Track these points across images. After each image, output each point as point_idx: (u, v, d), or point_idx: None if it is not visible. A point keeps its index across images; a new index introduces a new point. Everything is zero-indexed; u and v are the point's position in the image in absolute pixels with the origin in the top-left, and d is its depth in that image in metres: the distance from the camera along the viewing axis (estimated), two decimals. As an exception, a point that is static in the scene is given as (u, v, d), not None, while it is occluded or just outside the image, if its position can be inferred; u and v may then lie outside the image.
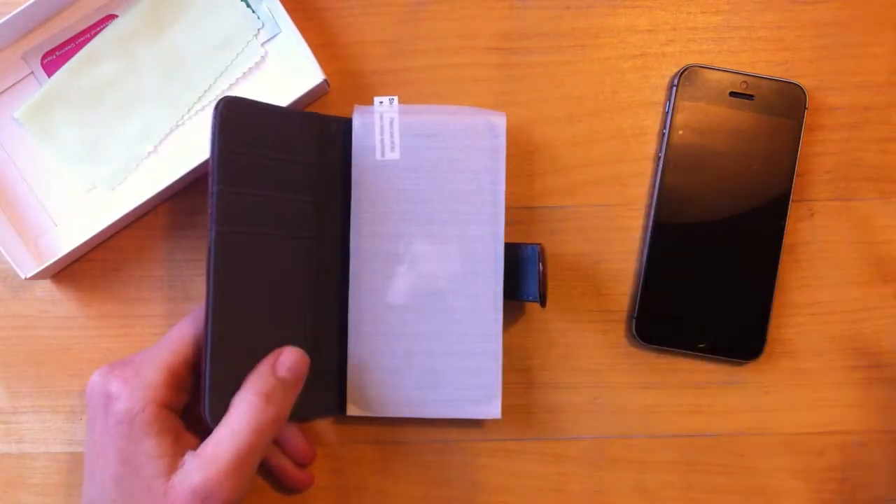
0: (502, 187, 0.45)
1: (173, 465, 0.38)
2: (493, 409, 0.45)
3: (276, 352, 0.41)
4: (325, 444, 0.48)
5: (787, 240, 0.48)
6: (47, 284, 0.48)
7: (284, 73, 0.48)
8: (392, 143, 0.45)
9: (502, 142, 0.45)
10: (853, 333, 0.48)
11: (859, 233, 0.49)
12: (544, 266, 0.45)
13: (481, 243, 0.45)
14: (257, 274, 0.42)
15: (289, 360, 0.41)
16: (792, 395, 0.48)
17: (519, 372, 0.48)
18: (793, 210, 0.48)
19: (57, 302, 0.48)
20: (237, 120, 0.41)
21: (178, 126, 0.48)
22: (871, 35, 0.49)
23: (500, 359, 0.45)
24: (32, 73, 0.48)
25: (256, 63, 0.48)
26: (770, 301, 0.47)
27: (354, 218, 0.45)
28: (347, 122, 0.46)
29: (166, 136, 0.48)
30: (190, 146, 0.48)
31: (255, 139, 0.42)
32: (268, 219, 0.43)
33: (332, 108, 0.49)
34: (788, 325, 0.48)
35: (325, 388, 0.46)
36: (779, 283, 0.48)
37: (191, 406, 0.41)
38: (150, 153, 0.48)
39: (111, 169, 0.47)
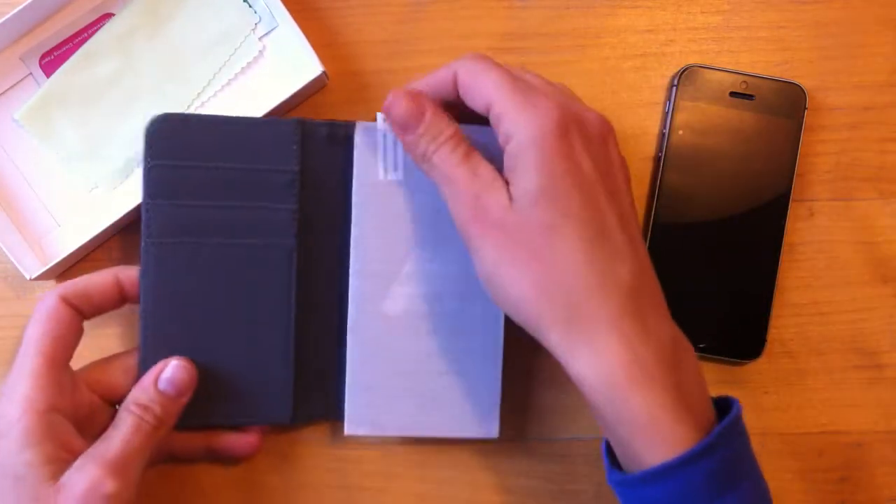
0: None
1: (60, 470, 0.37)
2: (491, 430, 0.45)
3: (163, 363, 0.42)
4: (325, 444, 0.48)
5: (787, 240, 0.48)
6: (51, 285, 0.48)
7: (283, 67, 0.48)
8: (395, 162, 0.44)
9: None
10: (853, 333, 0.48)
11: (859, 233, 0.49)
12: None
13: None
14: (197, 282, 0.44)
15: (171, 374, 0.41)
16: (792, 395, 0.48)
17: (519, 371, 0.48)
18: (793, 210, 0.48)
19: (57, 302, 0.48)
20: (168, 135, 0.43)
21: None
22: (871, 35, 0.49)
23: (499, 380, 0.45)
24: (31, 74, 0.48)
25: (255, 57, 0.48)
26: (770, 301, 0.47)
27: (355, 238, 0.44)
28: (336, 126, 0.45)
29: None
30: None
31: (195, 152, 0.44)
32: (215, 228, 0.44)
33: (332, 109, 0.49)
34: (788, 325, 0.48)
35: (316, 390, 0.46)
36: (779, 283, 0.48)
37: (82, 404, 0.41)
38: None
39: (112, 168, 0.47)
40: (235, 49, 0.48)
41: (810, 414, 0.48)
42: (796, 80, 0.48)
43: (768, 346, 0.48)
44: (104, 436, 0.39)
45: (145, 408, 0.40)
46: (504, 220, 0.37)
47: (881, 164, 0.49)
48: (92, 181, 0.47)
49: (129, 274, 0.43)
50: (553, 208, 0.36)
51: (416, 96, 0.40)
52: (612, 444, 0.38)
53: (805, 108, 0.48)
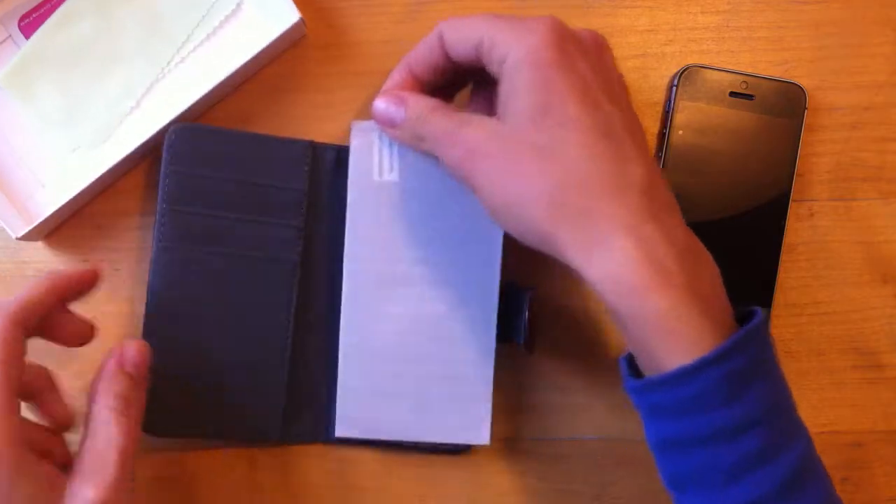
0: None
1: (58, 498, 0.35)
2: (482, 436, 0.45)
3: (117, 349, 0.39)
4: (325, 444, 0.48)
5: (787, 240, 0.48)
6: (38, 245, 0.48)
7: (261, 18, 0.48)
8: (391, 164, 0.44)
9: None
10: (853, 333, 0.48)
11: (859, 233, 0.49)
12: (534, 312, 0.45)
13: (478, 269, 0.44)
14: (201, 290, 0.44)
15: (132, 355, 0.39)
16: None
17: (519, 371, 0.48)
18: (793, 210, 0.48)
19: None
20: (187, 144, 0.44)
21: (158, 80, 0.48)
22: (871, 35, 0.49)
23: (490, 385, 0.45)
24: (10, 36, 0.48)
25: (233, 10, 0.48)
26: (770, 301, 0.47)
27: (349, 239, 0.44)
28: (344, 150, 0.46)
29: (147, 90, 0.48)
30: (171, 99, 0.48)
31: (210, 162, 0.45)
32: (223, 239, 0.45)
33: (332, 109, 0.49)
34: (788, 325, 0.48)
35: (307, 410, 0.47)
36: (779, 283, 0.48)
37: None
38: (132, 108, 0.48)
39: (94, 127, 0.48)
40: (213, 3, 0.48)
41: (810, 414, 0.48)
42: (796, 80, 0.48)
43: (768, 346, 0.48)
44: (88, 446, 0.36)
45: (123, 398, 0.37)
46: (499, 148, 0.36)
47: (881, 164, 0.49)
48: (74, 142, 0.48)
49: (62, 278, 0.39)
50: (553, 120, 0.36)
51: (391, 91, 0.41)
52: (632, 351, 0.37)
53: (805, 108, 0.48)
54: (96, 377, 0.39)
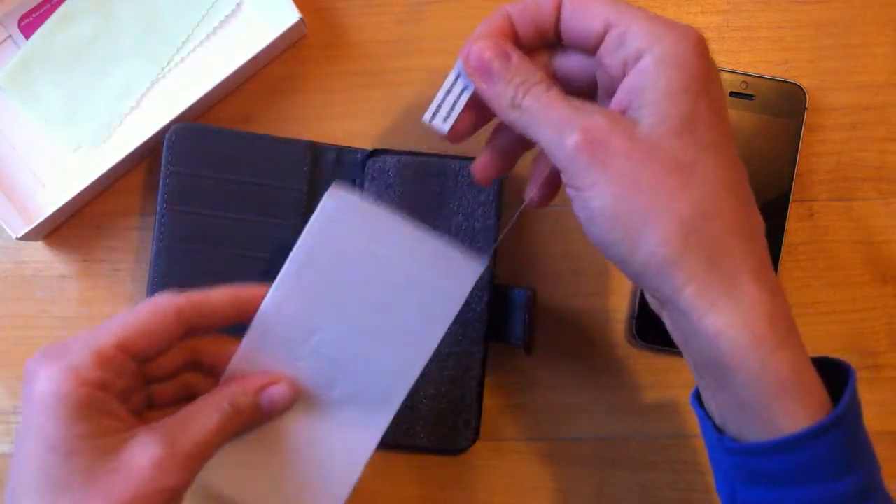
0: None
1: (118, 444, 0.33)
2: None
3: (271, 375, 0.37)
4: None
5: (787, 240, 0.48)
6: (48, 283, 0.48)
7: (261, 18, 0.48)
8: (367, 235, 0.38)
9: (465, 292, 0.38)
10: (853, 333, 0.48)
11: (859, 233, 0.49)
12: (532, 314, 0.45)
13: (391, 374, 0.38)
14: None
15: (278, 391, 0.37)
16: (792, 395, 0.48)
17: (518, 372, 0.48)
18: (793, 210, 0.48)
19: (56, 301, 0.48)
20: (187, 144, 0.44)
21: (158, 79, 0.48)
22: (871, 35, 0.49)
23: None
24: (10, 36, 0.48)
25: (233, 10, 0.48)
26: (770, 301, 0.47)
27: (282, 278, 0.38)
28: (344, 151, 0.46)
29: (147, 90, 0.48)
30: (171, 99, 0.48)
31: (210, 163, 0.45)
32: (223, 238, 0.45)
33: (332, 109, 0.49)
34: (788, 325, 0.48)
35: None
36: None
37: (134, 393, 0.36)
38: (132, 108, 0.48)
39: (94, 127, 0.48)
40: (213, 2, 0.48)
41: (810, 414, 0.48)
42: (796, 80, 0.48)
43: (768, 346, 0.48)
44: (180, 416, 0.35)
45: (239, 411, 0.36)
46: (631, 148, 0.31)
47: (881, 164, 0.49)
48: (75, 141, 0.48)
49: (249, 294, 0.38)
50: (697, 138, 0.32)
51: (497, 41, 0.35)
52: (728, 410, 0.33)
53: (805, 108, 0.48)
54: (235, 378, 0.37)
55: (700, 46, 0.32)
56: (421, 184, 0.46)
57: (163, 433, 0.34)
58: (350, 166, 0.47)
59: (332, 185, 0.37)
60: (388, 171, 0.46)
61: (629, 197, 0.31)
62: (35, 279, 0.48)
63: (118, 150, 0.45)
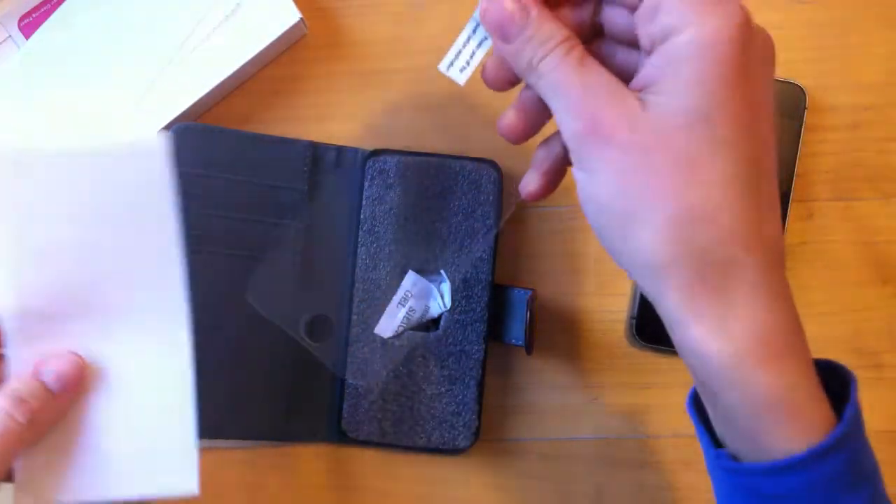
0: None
1: None
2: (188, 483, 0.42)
3: (47, 356, 0.35)
4: (325, 444, 0.48)
5: (787, 240, 0.48)
6: None
7: (261, 17, 0.48)
8: None
9: (164, 172, 0.36)
10: (853, 333, 0.48)
11: (859, 233, 0.49)
12: (532, 314, 0.45)
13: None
14: (203, 292, 0.42)
15: (57, 365, 0.35)
16: (792, 395, 0.48)
17: (517, 372, 0.48)
18: (793, 210, 0.48)
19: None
20: (189, 144, 0.44)
21: (158, 78, 0.48)
22: (871, 35, 0.49)
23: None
24: (10, 36, 0.48)
25: (233, 10, 0.48)
26: (770, 301, 0.47)
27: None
28: (344, 151, 0.46)
29: (147, 88, 0.48)
30: (171, 99, 0.48)
31: (212, 163, 0.45)
32: (225, 239, 0.45)
33: (332, 109, 0.49)
34: (788, 325, 0.48)
35: (307, 409, 0.47)
36: (779, 283, 0.48)
37: None
38: (132, 108, 0.48)
39: (94, 127, 0.48)
40: (213, 2, 0.48)
41: (810, 414, 0.48)
42: (796, 80, 0.48)
43: (768, 346, 0.48)
44: None
45: (20, 401, 0.33)
46: (635, 141, 0.30)
47: (881, 164, 0.49)
48: (75, 140, 0.48)
49: None
50: (713, 133, 0.29)
51: None
52: (720, 422, 0.32)
53: (805, 108, 0.48)
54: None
55: (740, 31, 0.29)
56: (421, 184, 0.46)
57: None
58: (350, 166, 0.47)
59: None
60: (388, 171, 0.46)
61: (626, 192, 0.30)
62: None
63: None
